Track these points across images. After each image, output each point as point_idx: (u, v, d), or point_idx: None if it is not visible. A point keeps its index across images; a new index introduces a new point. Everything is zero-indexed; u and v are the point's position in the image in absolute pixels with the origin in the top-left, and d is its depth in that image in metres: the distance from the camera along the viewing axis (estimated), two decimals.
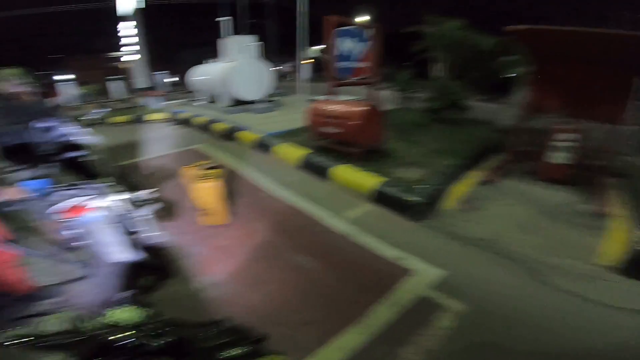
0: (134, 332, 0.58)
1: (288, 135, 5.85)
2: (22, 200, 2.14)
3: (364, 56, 5.76)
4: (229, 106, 9.17)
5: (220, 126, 6.97)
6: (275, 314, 2.09)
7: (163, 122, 9.52)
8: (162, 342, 0.56)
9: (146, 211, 2.43)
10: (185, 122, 8.67)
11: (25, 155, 2.75)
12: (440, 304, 2.14)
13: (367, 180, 3.67)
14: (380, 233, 2.96)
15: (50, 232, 2.98)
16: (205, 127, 7.54)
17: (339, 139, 4.49)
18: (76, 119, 2.89)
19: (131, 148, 5.99)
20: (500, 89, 8.40)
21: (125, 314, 0.63)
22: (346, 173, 3.95)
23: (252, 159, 5.10)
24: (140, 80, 19.73)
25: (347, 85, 5.76)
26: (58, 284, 2.37)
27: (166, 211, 3.37)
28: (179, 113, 9.44)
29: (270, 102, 9.51)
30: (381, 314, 2.06)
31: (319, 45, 9.24)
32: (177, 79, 23.96)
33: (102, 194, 2.20)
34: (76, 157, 2.66)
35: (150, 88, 17.55)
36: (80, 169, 2.62)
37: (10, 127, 2.63)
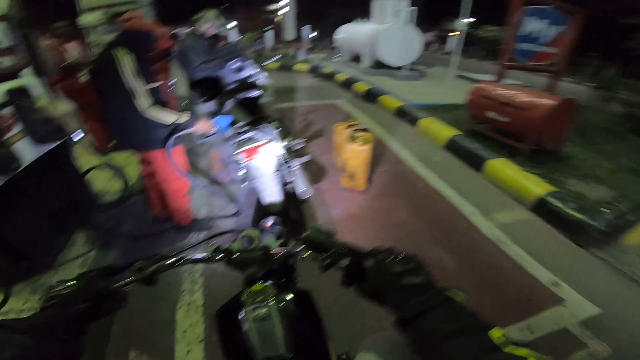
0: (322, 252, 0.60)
1: (434, 110, 5.42)
2: (211, 134, 2.23)
3: (553, 41, 4.76)
4: (370, 67, 9.09)
5: (361, 86, 6.95)
6: None
7: (306, 73, 10.13)
8: (346, 261, 0.58)
9: (298, 161, 2.50)
10: (326, 76, 9.02)
11: (212, 90, 3.18)
12: (582, 341, 1.78)
13: (531, 184, 3.11)
14: (535, 249, 2.52)
15: (216, 166, 3.49)
16: (345, 84, 7.68)
17: (507, 129, 3.92)
18: (257, 62, 3.13)
19: (283, 94, 6.56)
20: None
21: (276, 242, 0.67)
22: (505, 169, 3.43)
23: (394, 127, 4.95)
24: (289, 32, 21.27)
25: (523, 69, 4.90)
26: (213, 217, 2.68)
27: (312, 165, 3.54)
28: (322, 67, 9.85)
29: (414, 70, 9.01)
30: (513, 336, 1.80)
31: (468, 18, 8.14)
32: (316, 34, 24.91)
33: (274, 139, 2.24)
34: (254, 97, 2.85)
35: (297, 40, 18.74)
36: (253, 109, 2.74)
37: (208, 64, 3.05)
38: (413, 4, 9.13)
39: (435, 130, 4.54)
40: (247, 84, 2.88)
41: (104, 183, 2.91)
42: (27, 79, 2.19)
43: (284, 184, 2.41)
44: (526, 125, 3.62)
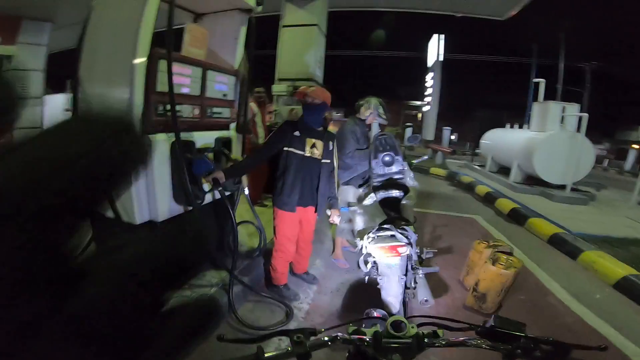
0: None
1: (604, 242, 4.86)
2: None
3: None
4: (521, 183, 8.72)
5: (507, 203, 6.79)
6: None
7: (443, 178, 10.51)
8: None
9: (425, 270, 2.65)
10: (465, 186, 9.13)
11: (357, 179, 3.55)
12: None
13: None
14: None
15: (338, 252, 3.84)
16: (487, 198, 7.60)
17: None
18: (405, 157, 3.37)
19: (418, 198, 7.01)
20: None
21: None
22: None
23: (544, 256, 4.62)
24: (429, 131, 22.77)
25: None
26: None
27: (436, 277, 3.61)
28: (460, 175, 10.08)
29: (580, 191, 8.13)
30: None
31: None
32: (455, 137, 25.60)
33: (411, 242, 2.48)
34: (398, 198, 3.07)
35: (435, 142, 19.81)
36: (394, 208, 2.99)
37: (361, 151, 3.40)
38: (583, 109, 8.46)
39: (605, 266, 4.05)
40: (393, 182, 3.12)
41: (246, 236, 3.77)
42: (232, 132, 3.19)
43: (406, 289, 2.57)
44: None
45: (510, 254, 3.20)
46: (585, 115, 7.87)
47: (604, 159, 21.15)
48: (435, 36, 22.28)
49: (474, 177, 9.82)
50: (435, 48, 22.34)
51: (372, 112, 3.51)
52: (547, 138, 7.94)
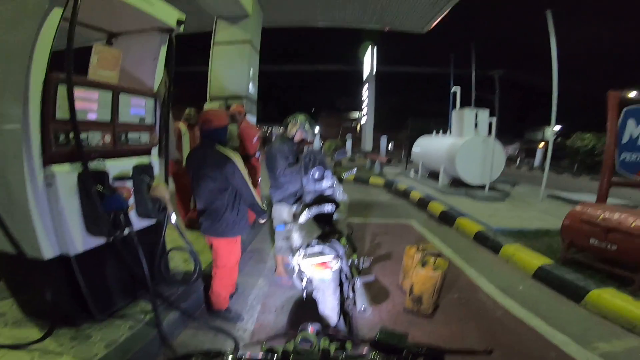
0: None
1: (520, 235, 5.39)
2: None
3: None
4: (448, 185, 9.46)
5: (437, 206, 7.27)
6: None
7: (381, 187, 10.98)
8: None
9: (361, 279, 2.70)
10: (400, 193, 9.61)
11: (290, 197, 3.51)
12: None
13: None
14: None
15: (280, 269, 3.82)
16: (420, 203, 8.08)
17: (614, 258, 3.75)
18: (335, 172, 3.45)
19: (355, 208, 7.22)
20: None
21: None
22: (614, 300, 3.26)
23: (472, 253, 5.00)
24: (367, 142, 23.81)
25: (631, 186, 4.78)
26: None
27: (377, 285, 3.77)
28: (397, 183, 10.62)
29: (497, 190, 9.08)
30: None
31: (556, 125, 8.02)
32: (392, 145, 27.14)
33: (340, 255, 2.48)
34: (331, 212, 3.06)
35: (374, 151, 20.75)
36: (326, 222, 3.01)
37: (292, 168, 3.39)
38: (494, 113, 9.37)
39: (523, 258, 4.47)
40: (324, 197, 3.17)
41: (180, 262, 3.72)
42: (154, 157, 2.99)
43: (344, 300, 2.62)
44: (638, 254, 3.46)
45: (438, 255, 3.41)
46: (494, 118, 8.90)
47: (516, 158, 23.89)
48: (369, 49, 23.49)
49: (409, 183, 10.39)
50: (369, 60, 23.61)
51: (298, 129, 3.50)
52: (465, 143, 8.80)
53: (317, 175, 3.22)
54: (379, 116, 25.22)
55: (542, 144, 23.03)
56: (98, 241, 2.38)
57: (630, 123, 4.61)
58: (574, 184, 12.95)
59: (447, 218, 6.62)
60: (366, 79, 24.38)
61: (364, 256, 2.89)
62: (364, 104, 25.04)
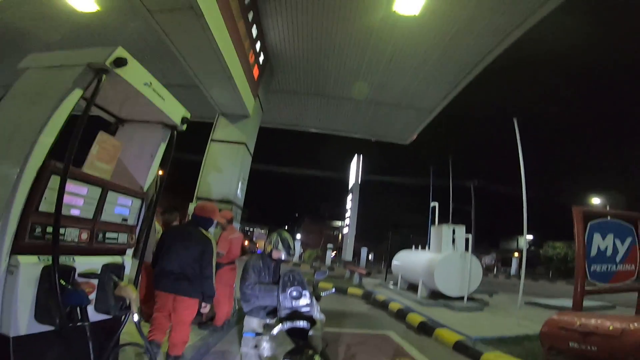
0: None
1: (500, 343, 5.20)
2: None
3: (628, 256, 4.96)
4: (427, 297, 9.27)
5: (415, 317, 7.01)
6: None
7: (360, 298, 10.58)
8: None
9: None
10: (379, 304, 9.27)
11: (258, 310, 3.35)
12: None
13: None
14: None
15: None
16: (399, 314, 7.77)
17: (598, 357, 3.67)
18: (313, 291, 3.33)
19: (333, 318, 6.83)
20: None
21: None
22: None
23: None
24: (347, 253, 23.67)
25: (602, 293, 4.90)
26: None
27: None
28: (375, 294, 10.32)
29: (475, 300, 8.96)
30: None
31: (528, 235, 8.63)
32: (372, 257, 27.11)
33: None
34: (305, 328, 3.01)
35: (354, 262, 20.53)
36: (302, 337, 2.93)
37: (263, 285, 3.31)
38: (470, 229, 9.89)
39: None
40: (299, 314, 3.10)
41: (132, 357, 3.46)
42: (128, 258, 2.84)
43: None
44: (619, 353, 3.45)
45: None
46: (470, 236, 9.43)
47: (493, 267, 24.07)
48: (356, 157, 24.88)
49: (388, 295, 10.12)
50: (356, 169, 24.69)
51: (272, 249, 3.47)
52: (443, 258, 9.11)
53: (294, 294, 3.20)
54: (361, 226, 25.56)
55: (516, 253, 23.56)
56: (45, 327, 2.15)
57: (596, 237, 4.91)
58: (550, 289, 12.94)
59: (426, 329, 6.34)
60: (351, 188, 25.30)
61: None
62: (347, 214, 25.49)
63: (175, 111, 2.99)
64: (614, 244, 4.93)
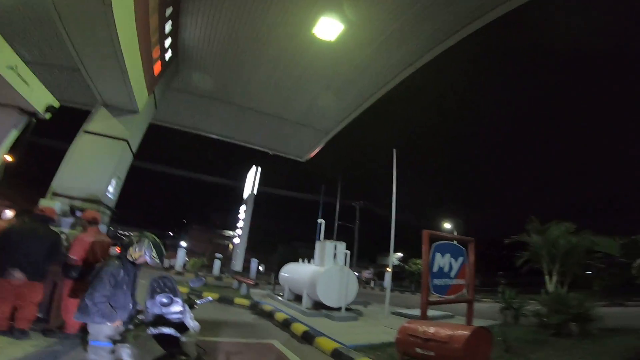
0: None
1: (369, 349, 5.82)
2: None
3: (460, 272, 6.09)
4: (310, 308, 9.80)
5: (299, 327, 7.36)
6: None
7: (247, 308, 10.49)
8: None
9: None
10: (266, 314, 9.40)
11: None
12: None
13: None
14: None
15: None
16: (284, 324, 8.02)
17: None
18: (187, 299, 3.22)
19: (215, 327, 6.71)
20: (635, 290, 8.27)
21: None
22: None
23: None
24: (237, 263, 22.96)
25: (441, 303, 5.94)
26: None
27: None
28: (262, 304, 10.41)
29: (352, 310, 9.88)
30: None
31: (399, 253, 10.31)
32: (263, 268, 27.08)
33: None
34: (175, 336, 2.94)
35: (243, 273, 20.07)
36: (171, 345, 2.88)
37: (131, 290, 3.06)
38: (352, 245, 10.93)
39: None
40: (165, 320, 2.95)
41: None
42: None
43: None
44: (449, 357, 4.18)
45: None
46: (348, 252, 10.56)
47: (371, 280, 26.73)
48: (253, 168, 24.28)
49: (275, 305, 10.30)
50: (252, 180, 24.08)
51: (142, 254, 3.04)
52: (325, 271, 9.85)
53: (164, 300, 3.03)
54: (253, 237, 25.17)
55: (389, 269, 26.67)
56: None
57: (438, 255, 5.97)
58: (413, 300, 15.00)
59: (308, 337, 6.72)
60: (246, 199, 24.64)
61: None
62: (239, 224, 24.76)
63: (40, 98, 2.79)
64: (450, 262, 6.10)
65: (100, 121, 7.92)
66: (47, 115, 2.79)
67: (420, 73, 10.19)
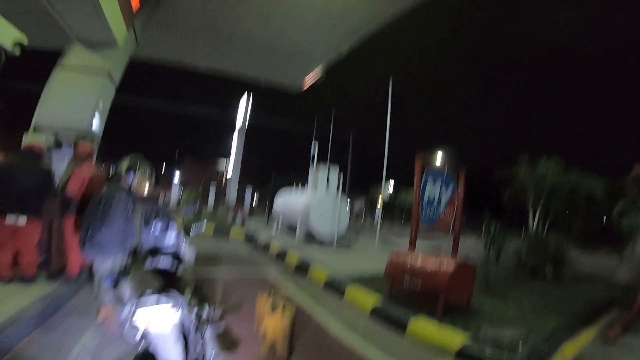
0: None
1: (361, 280, 6.05)
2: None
3: (448, 204, 6.09)
4: (305, 237, 10.21)
5: (293, 257, 7.67)
6: None
7: (241, 240, 10.88)
8: None
9: (210, 330, 2.64)
10: (260, 245, 9.75)
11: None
12: None
13: (451, 337, 3.73)
14: None
15: (108, 322, 3.34)
16: (278, 255, 8.36)
17: (421, 292, 4.63)
18: (183, 229, 3.17)
19: (210, 260, 6.94)
20: (610, 238, 8.65)
21: None
22: (426, 328, 4.01)
23: (322, 298, 5.39)
24: (232, 193, 23.42)
25: (429, 236, 6.07)
26: None
27: (230, 333, 3.64)
28: (257, 236, 10.77)
29: (344, 240, 10.32)
30: None
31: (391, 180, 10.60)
32: (257, 198, 27.61)
33: (178, 305, 2.33)
34: (170, 266, 2.87)
35: (238, 204, 20.55)
36: (166, 275, 2.79)
37: (132, 220, 3.08)
38: (345, 175, 10.91)
39: (361, 299, 5.12)
40: (161, 252, 2.90)
41: None
42: None
43: (189, 353, 2.38)
44: (434, 288, 4.41)
45: (287, 300, 3.61)
46: (341, 173, 10.57)
47: (362, 211, 27.53)
48: (244, 99, 23.51)
49: (269, 236, 10.67)
50: (243, 110, 23.52)
51: (127, 174, 3.13)
52: (318, 200, 10.01)
53: (158, 229, 2.92)
54: (246, 168, 25.17)
55: (380, 200, 27.36)
56: None
57: (429, 183, 5.82)
58: (403, 230, 15.75)
59: (302, 267, 7.02)
60: (239, 129, 24.14)
61: (214, 306, 2.81)
62: (232, 154, 24.51)
63: (6, 33, 2.53)
64: (441, 191, 5.96)
65: (75, 54, 7.57)
66: (17, 50, 2.49)
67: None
